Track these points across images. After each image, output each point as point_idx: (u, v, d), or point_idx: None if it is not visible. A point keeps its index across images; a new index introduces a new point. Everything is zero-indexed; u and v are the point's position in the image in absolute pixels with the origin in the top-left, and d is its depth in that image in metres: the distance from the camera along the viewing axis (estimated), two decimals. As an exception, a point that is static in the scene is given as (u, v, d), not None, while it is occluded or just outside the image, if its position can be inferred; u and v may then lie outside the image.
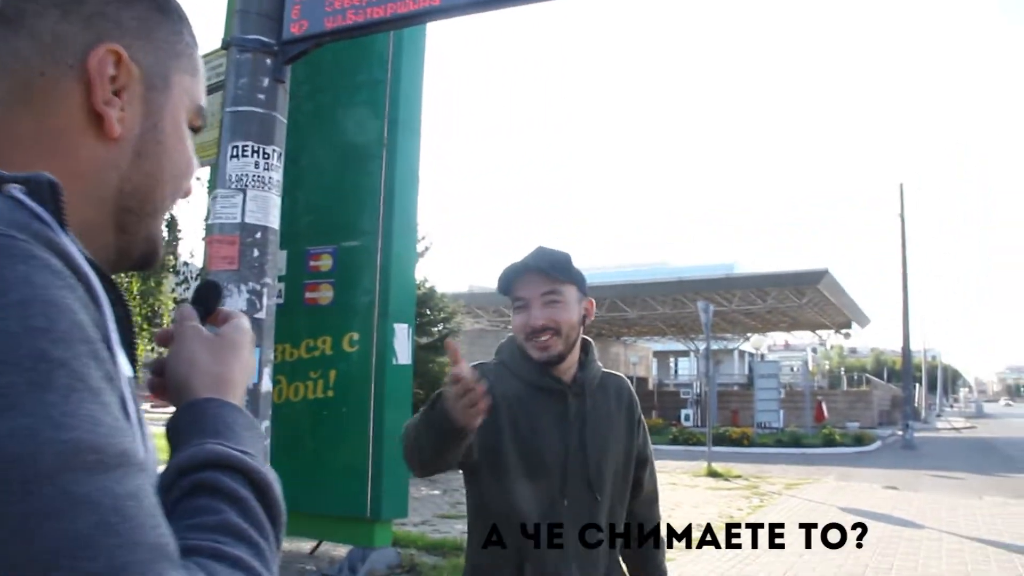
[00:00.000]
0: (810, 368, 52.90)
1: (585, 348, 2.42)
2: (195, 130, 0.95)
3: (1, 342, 0.58)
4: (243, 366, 0.93)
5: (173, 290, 9.72)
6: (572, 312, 2.30)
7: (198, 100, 0.94)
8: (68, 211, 0.73)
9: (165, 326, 10.08)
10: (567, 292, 2.29)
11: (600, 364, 2.47)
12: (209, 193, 4.95)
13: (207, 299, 1.01)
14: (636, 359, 48.90)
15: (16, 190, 0.68)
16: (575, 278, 2.32)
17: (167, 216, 0.99)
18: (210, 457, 0.76)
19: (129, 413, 0.67)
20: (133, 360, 0.76)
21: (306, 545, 8.37)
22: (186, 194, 0.96)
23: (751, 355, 59.43)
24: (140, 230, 0.88)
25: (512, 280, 2.32)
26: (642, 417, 2.54)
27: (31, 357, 0.58)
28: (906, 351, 33.08)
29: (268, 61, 3.80)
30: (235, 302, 3.74)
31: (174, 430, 0.82)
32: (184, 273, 9.73)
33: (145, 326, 9.63)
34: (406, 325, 7.43)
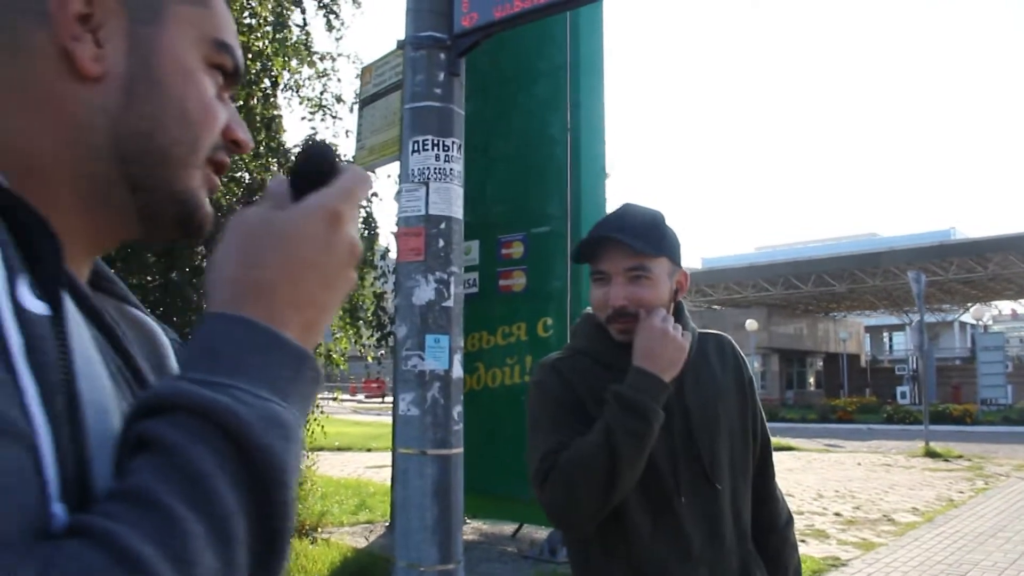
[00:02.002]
0: (1041, 339, 49.12)
1: (677, 312, 2.04)
2: (224, 71, 0.82)
3: None
4: (291, 260, 0.68)
5: (372, 283, 10.09)
6: (661, 290, 1.96)
7: (213, 34, 0.80)
8: (65, 164, 0.72)
9: (368, 317, 10.50)
10: (656, 267, 1.94)
11: (695, 325, 2.11)
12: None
13: (309, 169, 0.74)
14: (846, 335, 47.04)
15: None
16: (667, 249, 1.97)
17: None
18: (152, 398, 0.59)
19: (10, 355, 0.55)
20: (55, 296, 0.62)
21: (508, 528, 8.56)
22: (238, 147, 0.84)
23: (973, 327, 55.92)
24: (157, 184, 0.76)
25: (591, 250, 1.98)
26: (753, 378, 2.17)
27: None
28: None
29: (442, 56, 3.89)
30: (423, 292, 3.86)
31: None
32: (382, 267, 10.10)
33: (348, 320, 10.02)
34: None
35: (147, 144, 0.75)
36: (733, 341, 2.20)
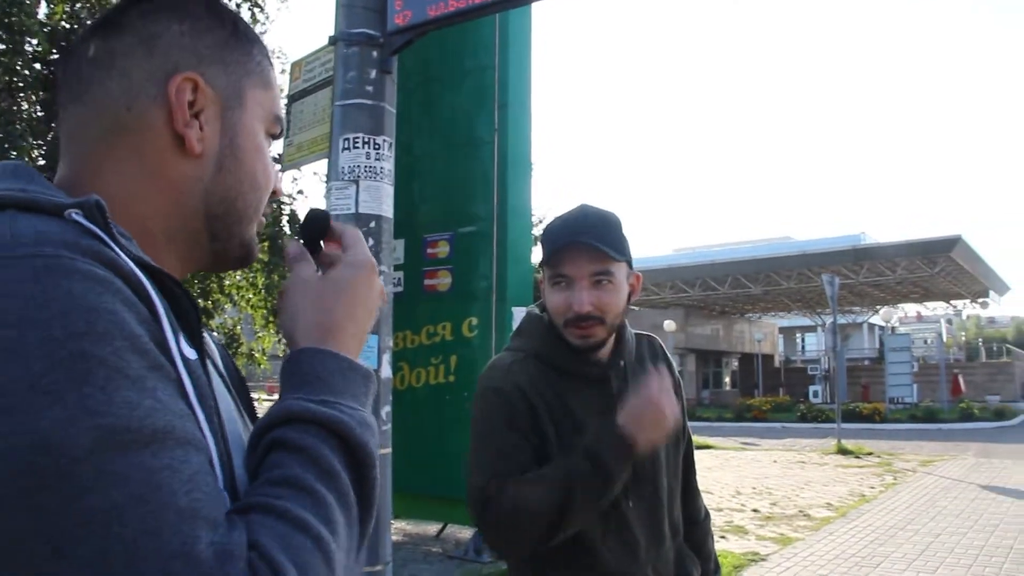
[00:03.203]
0: (945, 340, 50.90)
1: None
2: (274, 136, 1.03)
3: (47, 346, 0.66)
4: (353, 307, 0.95)
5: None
6: (621, 295, 1.95)
7: (273, 110, 1.02)
8: (166, 222, 0.92)
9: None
10: (618, 272, 1.93)
11: (631, 329, 2.12)
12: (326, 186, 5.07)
13: (312, 232, 1.02)
14: (761, 336, 47.95)
15: (74, 213, 0.77)
16: (626, 252, 1.96)
17: (264, 219, 1.05)
18: (281, 414, 0.82)
19: (187, 393, 0.76)
20: (200, 345, 0.84)
21: (432, 528, 8.53)
22: (275, 195, 1.05)
23: (881, 328, 57.55)
24: (232, 236, 0.98)
25: (557, 254, 1.93)
26: (680, 380, 2.15)
27: (72, 357, 0.67)
28: (1049, 320, 31.41)
29: (374, 53, 3.85)
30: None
31: (280, 385, 0.90)
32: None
33: (271, 318, 9.95)
34: (524, 308, 7.45)
35: (229, 206, 0.96)
36: (662, 343, 2.24)
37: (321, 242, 1.03)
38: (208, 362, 0.86)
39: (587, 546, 1.89)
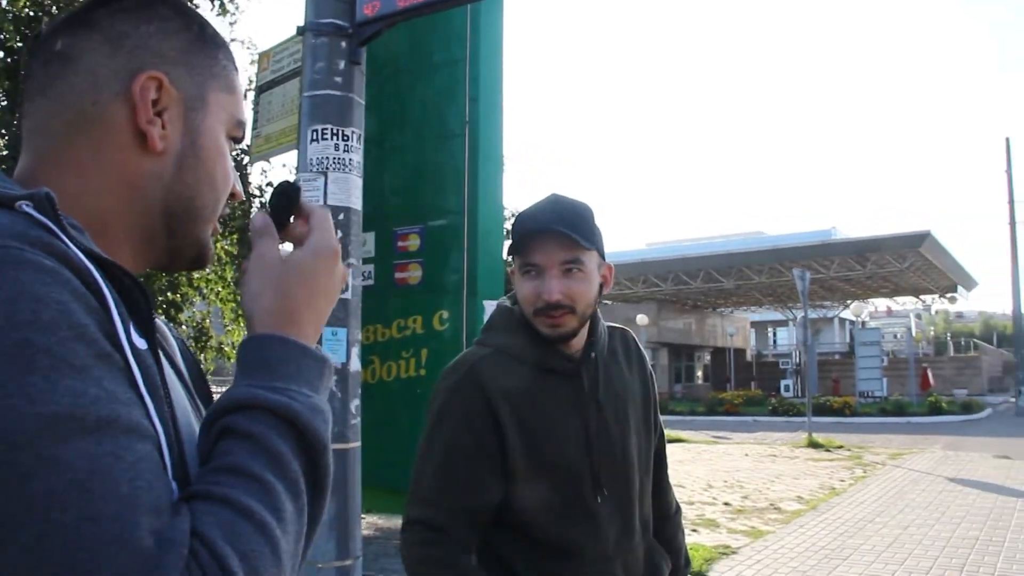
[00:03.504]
0: (914, 334, 51.37)
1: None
2: (236, 140, 1.06)
3: None
4: (313, 293, 0.95)
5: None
6: (592, 284, 1.91)
7: (236, 115, 1.04)
8: (124, 217, 0.93)
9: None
10: (589, 260, 1.90)
11: (604, 322, 2.08)
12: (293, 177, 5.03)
13: (281, 205, 1.01)
14: (733, 330, 48.29)
15: (25, 205, 0.78)
16: (598, 242, 1.93)
17: (225, 221, 1.03)
18: (230, 401, 0.83)
19: (137, 382, 0.76)
20: (151, 335, 0.84)
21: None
22: (233, 199, 1.06)
23: (852, 323, 58.09)
24: (188, 234, 0.99)
25: (527, 242, 1.91)
26: (653, 373, 2.18)
27: (15, 345, 0.67)
28: (1017, 314, 31.85)
29: (343, 44, 3.80)
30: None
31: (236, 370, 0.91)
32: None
33: (240, 312, 9.88)
34: (495, 302, 7.45)
35: (187, 205, 0.98)
36: (635, 336, 2.20)
37: (290, 218, 1.02)
38: (160, 352, 0.86)
39: (555, 542, 1.87)
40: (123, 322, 0.78)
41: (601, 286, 1.97)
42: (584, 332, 1.97)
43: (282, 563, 0.76)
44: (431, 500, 1.88)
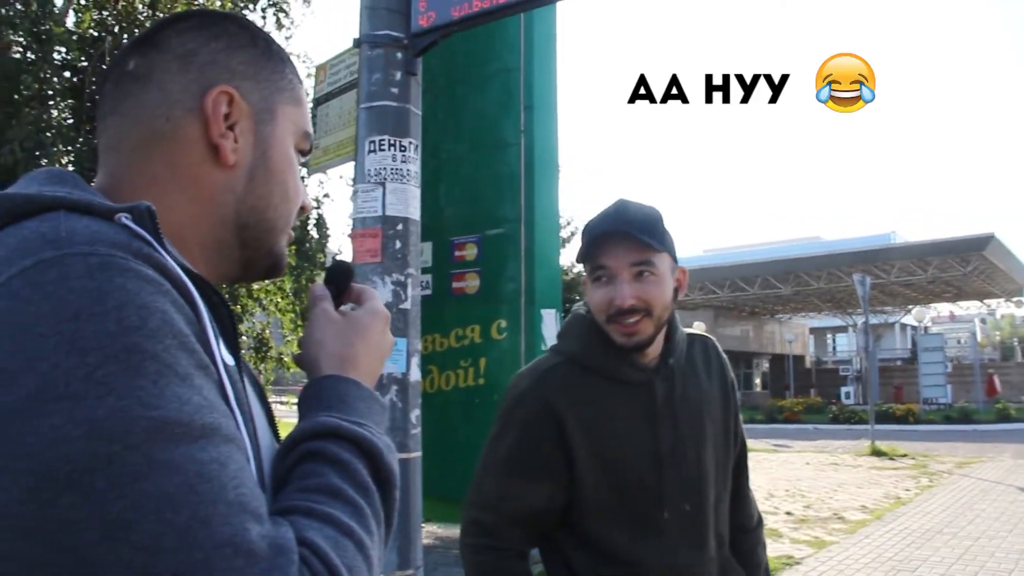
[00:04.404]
0: (979, 339, 50.27)
1: (670, 317, 1.94)
2: (304, 152, 1.08)
3: (102, 340, 0.68)
4: (369, 346, 1.02)
5: (324, 287, 10.13)
6: (666, 287, 1.85)
7: (303, 126, 1.06)
8: (199, 230, 0.95)
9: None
10: (661, 263, 1.84)
11: (683, 329, 2.02)
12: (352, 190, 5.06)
13: (338, 280, 1.11)
14: (792, 337, 47.63)
15: (124, 217, 0.80)
16: (669, 245, 1.87)
17: (293, 231, 1.08)
18: (318, 427, 0.87)
19: (228, 395, 0.78)
20: (236, 352, 0.89)
21: (463, 531, 8.49)
22: (303, 211, 1.09)
23: (914, 328, 56.99)
24: (261, 246, 1.02)
25: (595, 246, 1.85)
26: (735, 380, 2.12)
27: (125, 350, 0.69)
28: (1087, 318, 30.96)
29: (399, 55, 3.83)
30: (381, 294, 3.80)
31: (301, 404, 0.95)
32: (333, 270, 10.11)
33: (300, 322, 9.99)
34: (553, 310, 7.45)
35: (260, 216, 1.00)
36: (716, 343, 2.13)
37: (343, 293, 1.11)
38: (243, 370, 0.90)
39: (620, 555, 1.84)
40: (215, 337, 0.81)
41: (676, 290, 1.91)
42: (660, 340, 1.91)
43: None
44: (489, 505, 1.89)
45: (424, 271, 7.37)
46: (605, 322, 1.86)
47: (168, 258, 0.80)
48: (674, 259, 1.91)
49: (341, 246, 10.34)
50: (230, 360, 0.84)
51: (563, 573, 1.90)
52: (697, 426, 1.93)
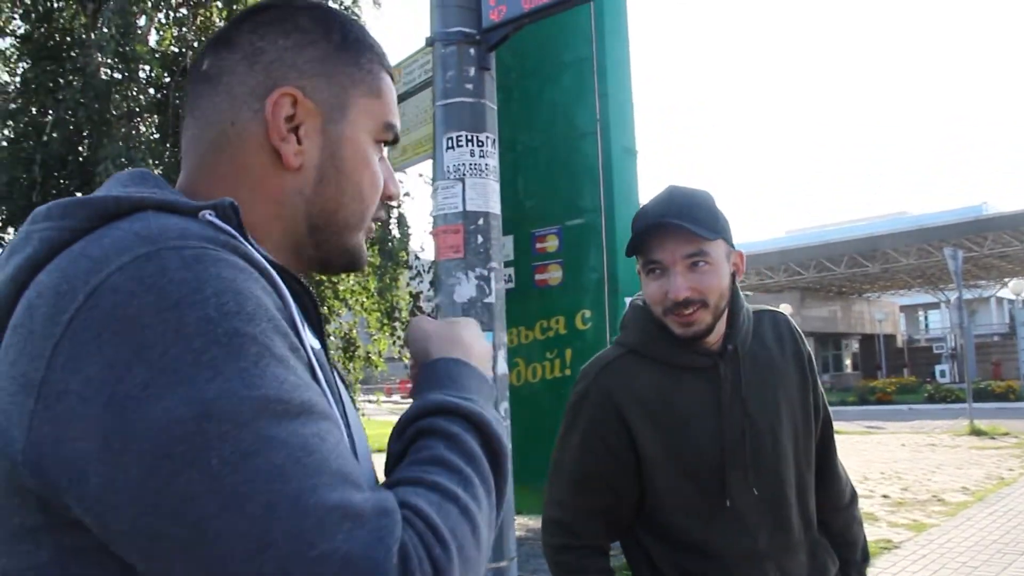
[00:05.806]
0: (1082, 311, 48.28)
1: (732, 294, 1.90)
2: (387, 143, 1.07)
3: (204, 325, 0.72)
4: (474, 334, 1.07)
5: (408, 284, 10.17)
6: (722, 275, 1.81)
7: (384, 118, 1.05)
8: (271, 229, 0.97)
9: (404, 317, 10.56)
10: (715, 251, 1.79)
11: (748, 306, 1.97)
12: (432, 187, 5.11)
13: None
14: (882, 315, 46.56)
15: (208, 214, 0.84)
16: (722, 230, 1.82)
17: (375, 224, 1.09)
18: (429, 405, 0.91)
19: (317, 376, 0.82)
20: (322, 337, 0.94)
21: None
22: (390, 199, 1.09)
23: (1011, 302, 55.13)
24: (335, 245, 1.03)
25: (646, 238, 1.82)
26: (811, 354, 2.05)
27: (227, 334, 0.73)
28: None
29: (472, 51, 3.85)
30: (464, 289, 3.83)
31: (415, 388, 1.00)
32: (416, 267, 10.16)
33: (386, 321, 10.11)
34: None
35: (331, 217, 1.00)
36: (789, 317, 2.08)
37: None
38: (328, 355, 0.95)
39: (696, 543, 1.84)
40: (302, 322, 0.84)
41: (733, 275, 1.87)
42: (722, 325, 1.88)
43: (480, 549, 0.81)
44: (563, 502, 1.92)
45: (507, 264, 7.40)
46: (662, 314, 1.84)
47: (253, 249, 0.83)
48: (729, 243, 1.86)
49: (423, 243, 10.39)
50: (316, 344, 0.88)
51: (644, 565, 1.90)
52: (771, 407, 1.89)
